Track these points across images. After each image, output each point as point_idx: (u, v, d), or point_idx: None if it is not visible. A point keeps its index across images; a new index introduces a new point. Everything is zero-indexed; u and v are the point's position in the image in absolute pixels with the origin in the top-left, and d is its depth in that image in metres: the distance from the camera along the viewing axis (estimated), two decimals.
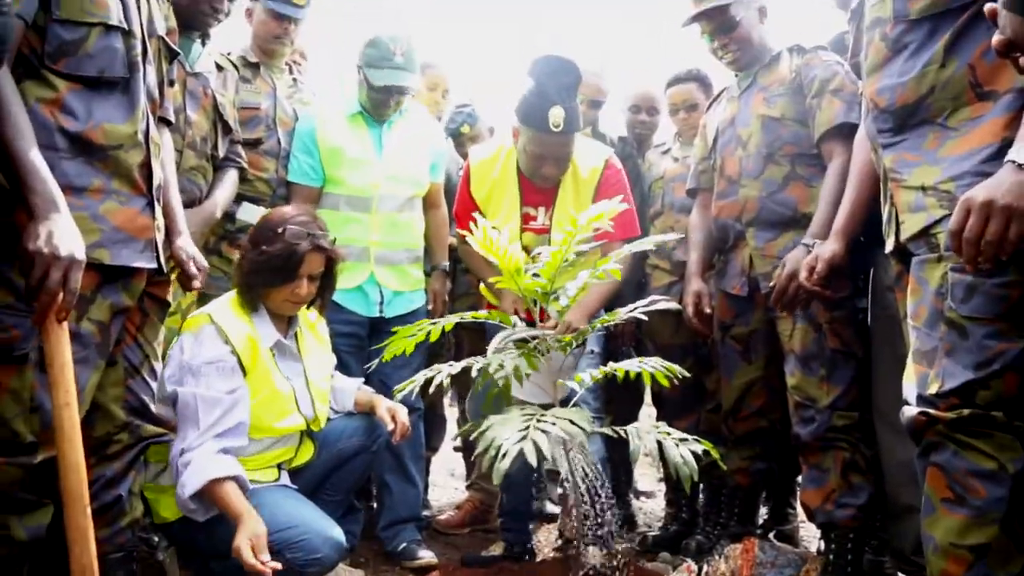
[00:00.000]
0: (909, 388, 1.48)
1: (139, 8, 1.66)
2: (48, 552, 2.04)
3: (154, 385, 1.83)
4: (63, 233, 1.35)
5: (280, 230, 2.02)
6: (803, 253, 2.12)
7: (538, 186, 2.53)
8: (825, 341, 2.24)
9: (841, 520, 2.21)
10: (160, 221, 1.72)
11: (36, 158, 1.37)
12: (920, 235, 1.47)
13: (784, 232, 2.35)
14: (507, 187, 2.55)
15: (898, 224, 1.54)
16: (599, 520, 2.63)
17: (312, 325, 2.26)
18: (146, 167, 1.66)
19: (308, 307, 2.19)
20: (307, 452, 2.19)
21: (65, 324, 1.37)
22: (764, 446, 2.56)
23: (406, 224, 2.73)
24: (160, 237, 1.72)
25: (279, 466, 2.10)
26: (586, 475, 1.95)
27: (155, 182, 1.69)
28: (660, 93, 3.21)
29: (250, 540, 1.73)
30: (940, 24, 1.47)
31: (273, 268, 2.01)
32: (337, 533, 1.94)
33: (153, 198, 1.68)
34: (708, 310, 2.51)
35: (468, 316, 1.98)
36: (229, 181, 2.50)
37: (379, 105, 2.65)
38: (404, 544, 2.60)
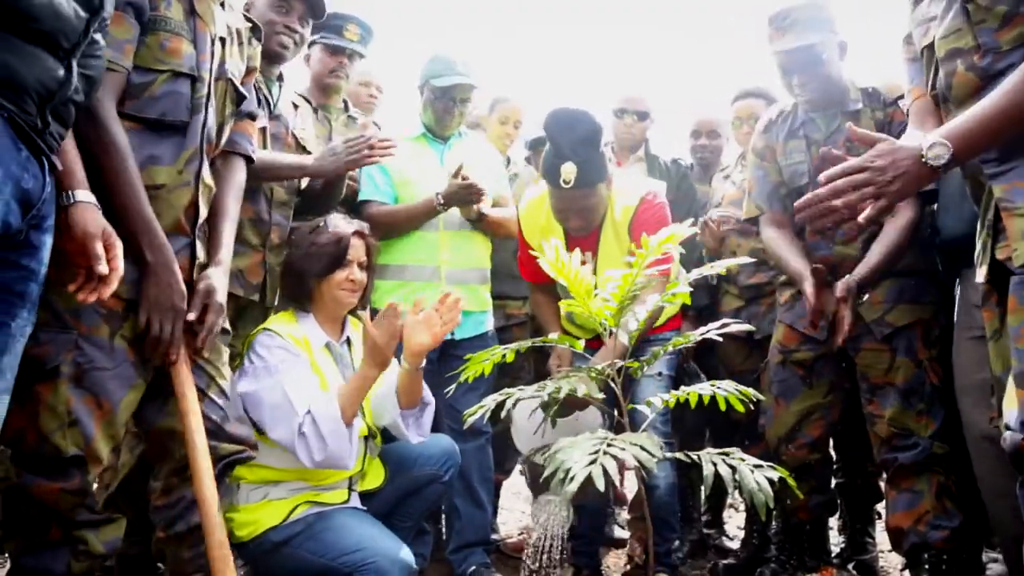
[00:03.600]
0: (1011, 413, 1.41)
1: (212, 53, 1.71)
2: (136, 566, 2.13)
3: (224, 404, 1.80)
4: (174, 290, 1.58)
5: (320, 224, 2.12)
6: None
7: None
8: (926, 377, 2.29)
9: (935, 541, 2.21)
10: (203, 258, 1.75)
11: (150, 214, 1.56)
12: None
13: (880, 280, 2.32)
14: (552, 233, 2.48)
15: (995, 251, 1.48)
16: (668, 546, 2.60)
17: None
18: (193, 207, 1.70)
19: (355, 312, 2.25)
20: (376, 475, 2.20)
21: (187, 364, 1.59)
22: (819, 479, 2.53)
23: (474, 241, 2.76)
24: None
25: (349, 486, 2.12)
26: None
27: (199, 221, 1.73)
28: (719, 117, 3.26)
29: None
30: None
31: (324, 255, 2.09)
32: (407, 555, 1.95)
33: (195, 238, 1.71)
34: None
35: (539, 341, 1.98)
36: None
37: (444, 114, 2.72)
38: (473, 568, 2.60)
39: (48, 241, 1.36)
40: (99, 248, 1.40)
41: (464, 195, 2.60)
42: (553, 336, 2.00)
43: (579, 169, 2.24)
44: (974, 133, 1.36)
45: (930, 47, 1.62)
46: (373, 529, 2.02)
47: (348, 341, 2.22)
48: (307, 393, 1.94)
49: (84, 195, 1.43)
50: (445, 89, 2.68)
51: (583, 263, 1.83)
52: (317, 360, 2.06)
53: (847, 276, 2.21)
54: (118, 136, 1.51)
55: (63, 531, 1.52)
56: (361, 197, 2.74)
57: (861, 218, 1.36)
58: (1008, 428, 1.42)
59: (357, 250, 2.15)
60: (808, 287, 2.21)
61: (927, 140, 1.35)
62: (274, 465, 1.98)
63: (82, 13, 1.30)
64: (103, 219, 1.44)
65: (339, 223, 2.15)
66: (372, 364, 1.98)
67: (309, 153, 2.51)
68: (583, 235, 2.45)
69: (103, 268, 1.40)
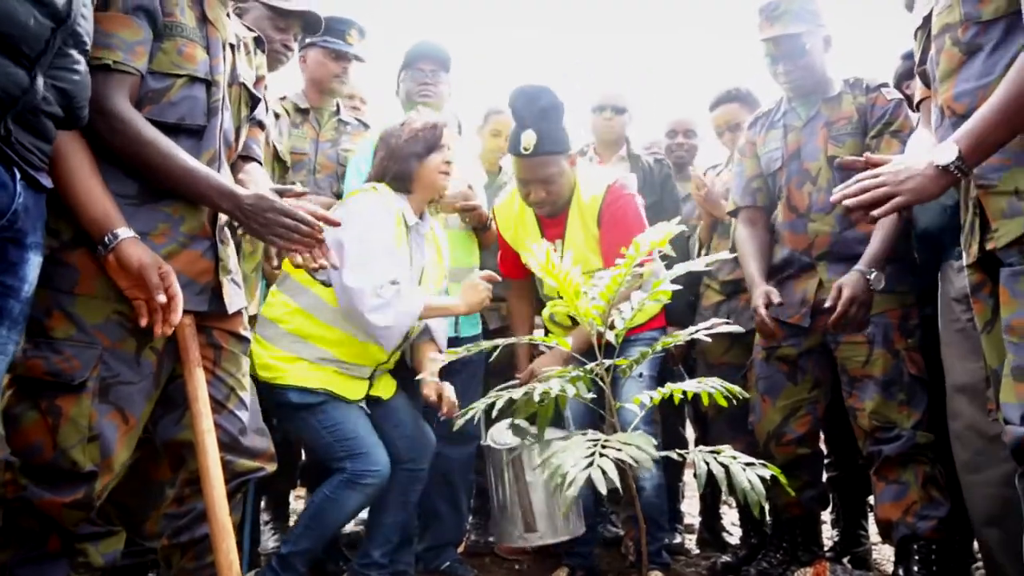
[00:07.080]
0: (1010, 408, 1.39)
1: (224, 58, 1.71)
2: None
3: (244, 416, 1.76)
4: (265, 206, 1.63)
5: (407, 118, 2.37)
6: (859, 277, 2.21)
7: (548, 219, 2.56)
8: (904, 367, 2.31)
9: (924, 532, 2.22)
10: (227, 260, 1.74)
11: (215, 178, 1.60)
12: (1014, 243, 1.39)
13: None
14: (526, 223, 2.60)
15: (983, 233, 1.47)
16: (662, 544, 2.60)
17: (440, 246, 2.49)
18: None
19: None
20: (388, 386, 2.39)
21: (201, 368, 1.61)
22: (810, 473, 2.54)
23: (472, 242, 2.78)
24: (227, 277, 1.73)
25: (370, 379, 2.31)
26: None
27: (219, 224, 1.72)
28: (696, 116, 3.30)
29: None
30: (1016, 21, 1.39)
31: (424, 139, 2.31)
32: (388, 464, 2.22)
33: (217, 240, 1.71)
34: (777, 300, 2.38)
35: (525, 339, 1.99)
36: None
37: (419, 84, 2.78)
38: (448, 563, 2.66)
39: (32, 259, 1.36)
40: (156, 278, 1.45)
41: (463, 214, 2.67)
42: (539, 336, 2.00)
43: (538, 137, 2.39)
44: (978, 130, 1.37)
45: (922, 26, 1.62)
46: (369, 430, 2.26)
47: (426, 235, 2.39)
48: (396, 263, 2.17)
49: (126, 231, 1.47)
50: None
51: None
52: (403, 239, 2.24)
53: (854, 268, 2.23)
54: (145, 130, 1.52)
55: (63, 542, 1.51)
56: (347, 188, 2.73)
57: (876, 212, 1.44)
58: (1008, 423, 1.40)
59: (448, 137, 2.36)
60: (759, 304, 2.35)
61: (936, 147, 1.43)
62: (317, 318, 2.19)
63: (43, 20, 1.28)
64: (151, 251, 1.49)
65: (425, 113, 2.39)
66: (465, 303, 2.27)
67: (285, 163, 2.52)
68: (551, 215, 2.54)
69: (162, 297, 1.44)
